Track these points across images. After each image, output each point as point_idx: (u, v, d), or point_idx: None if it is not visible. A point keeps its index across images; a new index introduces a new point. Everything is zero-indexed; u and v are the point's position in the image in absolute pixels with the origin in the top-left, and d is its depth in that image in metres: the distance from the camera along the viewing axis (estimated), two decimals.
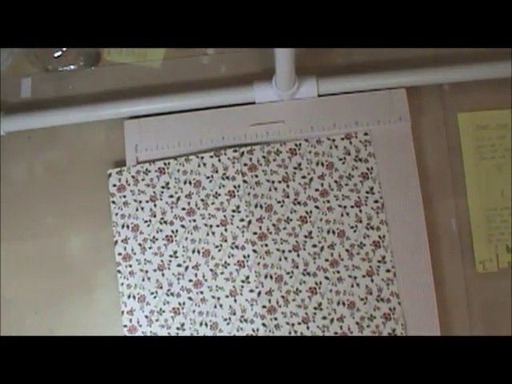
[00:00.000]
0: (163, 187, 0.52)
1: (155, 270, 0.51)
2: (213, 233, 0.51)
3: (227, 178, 0.51)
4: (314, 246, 0.50)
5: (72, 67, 0.56)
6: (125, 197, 0.52)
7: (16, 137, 0.55)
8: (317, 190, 0.51)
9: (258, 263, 0.50)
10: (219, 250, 0.50)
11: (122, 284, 0.51)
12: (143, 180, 0.52)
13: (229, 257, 0.50)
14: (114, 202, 0.52)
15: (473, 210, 0.52)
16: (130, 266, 0.51)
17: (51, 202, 0.54)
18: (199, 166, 0.52)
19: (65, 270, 0.53)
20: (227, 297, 0.50)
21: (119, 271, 0.51)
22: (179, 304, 0.50)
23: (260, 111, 0.53)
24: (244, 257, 0.50)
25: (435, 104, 0.54)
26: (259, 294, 0.50)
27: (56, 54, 0.54)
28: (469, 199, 0.52)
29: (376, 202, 0.50)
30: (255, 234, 0.50)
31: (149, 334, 0.50)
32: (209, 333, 0.49)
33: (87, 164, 0.55)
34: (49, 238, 0.54)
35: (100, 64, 0.57)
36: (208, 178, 0.51)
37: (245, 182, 0.51)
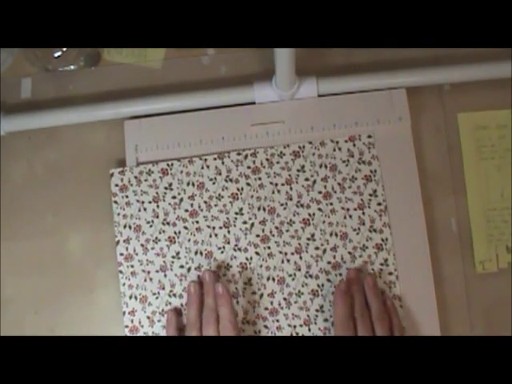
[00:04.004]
0: (166, 188, 0.52)
1: (157, 271, 0.51)
2: (215, 235, 0.51)
3: (230, 180, 0.51)
4: (317, 248, 0.50)
5: (72, 67, 0.56)
6: (127, 197, 0.52)
7: (16, 137, 0.55)
8: (320, 192, 0.51)
9: (261, 265, 0.50)
10: (222, 252, 0.50)
11: (124, 284, 0.51)
12: (146, 181, 0.52)
13: (231, 259, 0.50)
14: (116, 202, 0.52)
15: (473, 210, 0.52)
16: (132, 266, 0.51)
17: (51, 201, 0.54)
18: (202, 167, 0.52)
19: (65, 270, 0.53)
20: None
21: (121, 271, 0.51)
22: (181, 305, 0.50)
23: (260, 111, 0.53)
24: (246, 259, 0.50)
25: (435, 104, 0.54)
26: (261, 296, 0.50)
27: (56, 54, 0.54)
28: (469, 199, 0.52)
29: (379, 204, 0.50)
30: (258, 236, 0.50)
31: (150, 335, 0.50)
32: None
33: (87, 164, 0.55)
34: (49, 238, 0.54)
35: (100, 64, 0.56)
36: (211, 180, 0.51)
37: (248, 184, 0.51)
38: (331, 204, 0.51)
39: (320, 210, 0.51)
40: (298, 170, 0.51)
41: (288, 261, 0.50)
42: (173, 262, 0.51)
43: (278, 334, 0.49)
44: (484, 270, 0.51)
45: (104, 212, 0.53)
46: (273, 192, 0.51)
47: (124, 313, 0.50)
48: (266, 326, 0.49)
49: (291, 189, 0.51)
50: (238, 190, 0.51)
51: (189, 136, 0.53)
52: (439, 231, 0.52)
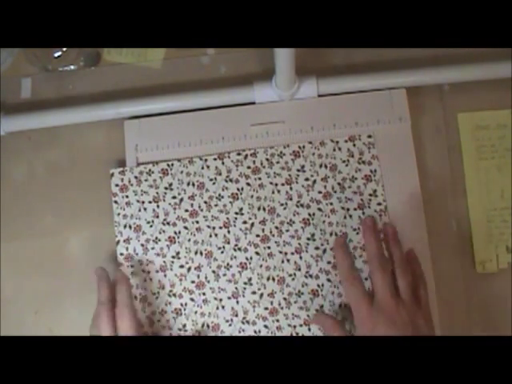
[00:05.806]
0: (166, 188, 0.52)
1: (157, 271, 0.51)
2: (215, 235, 0.51)
3: (230, 180, 0.51)
4: (317, 248, 0.50)
5: (72, 67, 0.56)
6: (127, 197, 0.52)
7: (16, 137, 0.55)
8: (320, 192, 0.51)
9: (261, 265, 0.50)
10: (222, 252, 0.50)
11: None
12: (146, 181, 0.52)
13: (231, 259, 0.50)
14: (116, 202, 0.52)
15: (473, 211, 0.52)
16: (132, 266, 0.51)
17: (51, 201, 0.54)
18: (203, 168, 0.52)
19: (65, 270, 0.53)
20: (229, 298, 0.50)
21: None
22: (181, 305, 0.50)
23: (260, 111, 0.53)
24: (246, 259, 0.50)
25: (435, 104, 0.54)
26: (261, 295, 0.50)
27: (56, 54, 0.54)
28: (469, 199, 0.52)
29: (379, 204, 0.50)
30: (258, 236, 0.50)
31: (150, 335, 0.50)
32: (210, 334, 0.49)
33: (87, 164, 0.55)
34: (49, 238, 0.54)
35: (100, 64, 0.56)
36: (211, 180, 0.51)
37: (248, 184, 0.51)
38: (331, 204, 0.51)
39: (320, 209, 0.51)
40: (298, 170, 0.51)
41: (288, 261, 0.50)
42: (173, 262, 0.51)
43: (278, 333, 0.49)
44: (484, 270, 0.51)
45: (104, 212, 0.52)
46: (273, 192, 0.51)
47: None
48: (266, 326, 0.49)
49: (291, 189, 0.51)
50: (238, 189, 0.51)
51: (189, 136, 0.53)
52: (439, 231, 0.52)
